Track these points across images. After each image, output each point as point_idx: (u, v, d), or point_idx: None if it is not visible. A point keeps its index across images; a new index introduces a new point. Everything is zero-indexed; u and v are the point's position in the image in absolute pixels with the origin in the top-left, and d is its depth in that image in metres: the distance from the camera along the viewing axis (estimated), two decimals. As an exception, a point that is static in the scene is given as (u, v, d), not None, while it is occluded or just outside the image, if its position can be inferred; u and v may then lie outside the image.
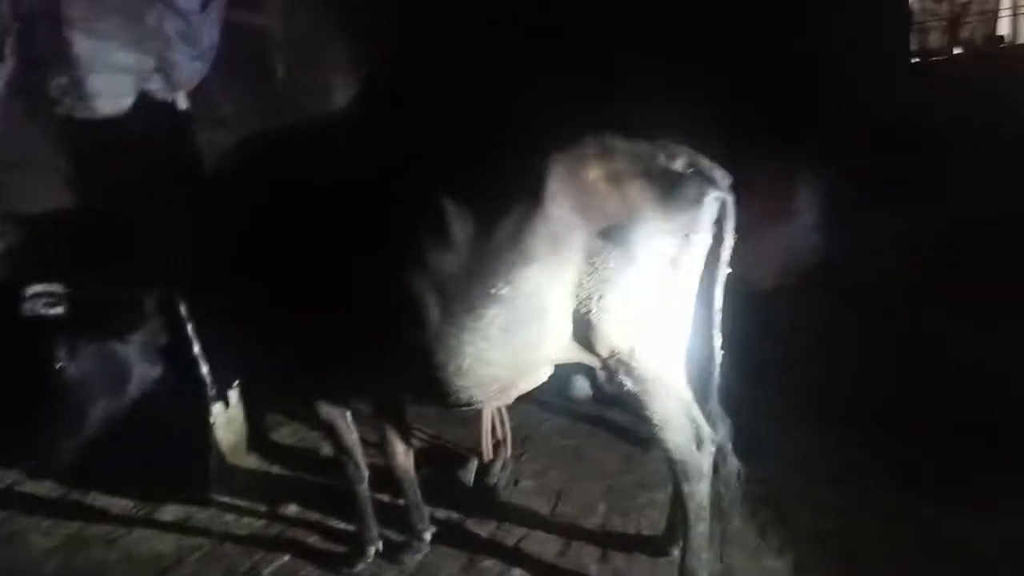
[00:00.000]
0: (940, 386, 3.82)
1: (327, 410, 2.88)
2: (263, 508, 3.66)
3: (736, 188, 2.41)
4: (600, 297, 2.36)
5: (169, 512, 3.71)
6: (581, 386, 4.49)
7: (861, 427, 3.70)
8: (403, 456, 3.12)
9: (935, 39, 6.03)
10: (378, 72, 4.77)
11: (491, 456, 3.74)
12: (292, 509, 3.61)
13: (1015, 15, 5.70)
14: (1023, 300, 4.10)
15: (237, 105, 4.60)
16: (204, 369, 2.77)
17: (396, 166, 2.59)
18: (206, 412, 3.63)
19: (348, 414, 2.93)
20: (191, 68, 4.23)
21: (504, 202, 2.35)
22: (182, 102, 4.14)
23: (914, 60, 5.80)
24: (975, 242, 4.44)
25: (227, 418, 3.87)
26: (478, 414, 3.72)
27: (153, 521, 3.63)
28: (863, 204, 4.60)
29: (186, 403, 3.35)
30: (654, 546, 2.98)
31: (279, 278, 2.65)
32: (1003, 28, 6.04)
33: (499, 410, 3.73)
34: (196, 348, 2.74)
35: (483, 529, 3.27)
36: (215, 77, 4.33)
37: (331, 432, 2.93)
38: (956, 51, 6.05)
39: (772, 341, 4.02)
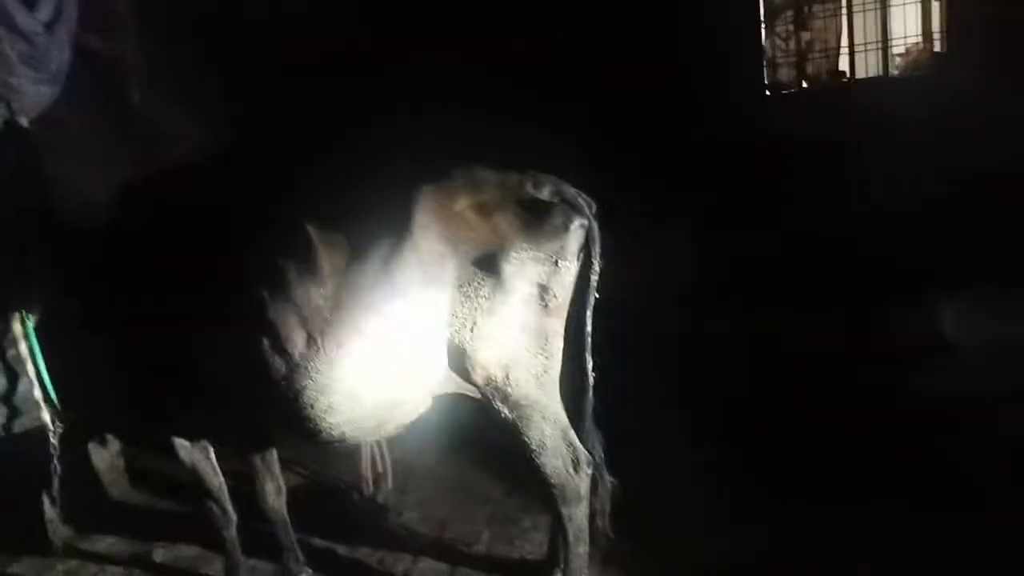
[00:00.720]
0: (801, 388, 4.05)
1: (188, 452, 2.72)
2: (123, 564, 3.42)
3: (601, 215, 2.48)
4: (473, 326, 2.37)
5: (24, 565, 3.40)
6: None
7: (733, 435, 3.86)
8: (274, 496, 2.98)
9: (784, 74, 6.49)
10: (239, 105, 4.63)
11: (372, 489, 3.66)
12: (154, 562, 3.40)
13: (852, 53, 6.21)
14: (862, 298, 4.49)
15: (89, 133, 4.31)
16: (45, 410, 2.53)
17: (263, 198, 2.52)
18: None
19: (212, 455, 2.77)
20: (36, 92, 3.95)
21: (373, 234, 2.32)
22: (25, 128, 3.85)
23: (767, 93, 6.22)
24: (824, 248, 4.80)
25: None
26: (358, 447, 3.64)
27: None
28: (727, 217, 4.91)
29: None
30: (538, 570, 2.98)
31: (134, 311, 2.51)
32: (843, 64, 6.60)
33: (379, 443, 3.65)
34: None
35: (369, 560, 3.18)
36: (65, 103, 4.06)
37: (194, 476, 2.76)
38: (803, 85, 6.55)
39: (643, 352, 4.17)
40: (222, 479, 2.82)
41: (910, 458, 3.43)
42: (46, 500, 3.34)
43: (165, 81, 4.45)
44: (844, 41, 6.44)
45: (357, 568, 3.17)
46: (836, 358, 4.27)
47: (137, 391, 2.54)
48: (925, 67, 6.21)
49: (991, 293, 4.34)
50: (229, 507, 2.85)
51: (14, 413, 2.54)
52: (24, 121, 3.83)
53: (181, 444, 2.71)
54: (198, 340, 2.42)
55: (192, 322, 2.42)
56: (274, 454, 3.00)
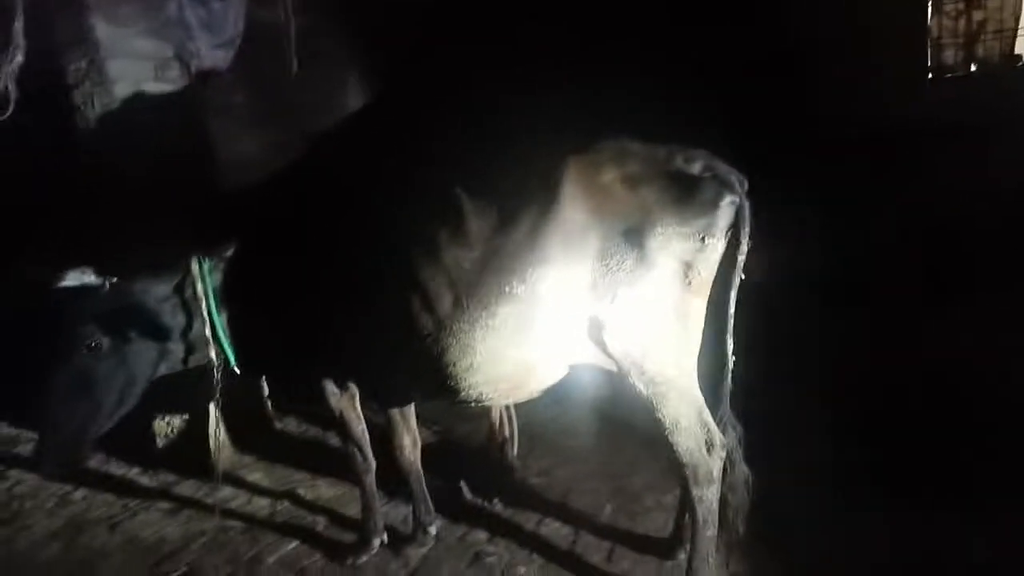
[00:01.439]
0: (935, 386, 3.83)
1: (337, 400, 2.89)
2: (270, 496, 3.68)
3: (752, 194, 2.41)
4: (614, 299, 2.37)
5: (175, 495, 3.74)
6: None
7: (868, 435, 3.69)
8: (410, 449, 3.13)
9: (950, 56, 6.01)
10: (387, 73, 4.79)
11: (499, 453, 3.75)
12: (299, 497, 3.64)
13: (1032, 34, 5.68)
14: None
15: (257, 96, 4.62)
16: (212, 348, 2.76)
17: (417, 163, 2.62)
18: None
19: (357, 405, 2.93)
20: (212, 57, 4.25)
21: (521, 201, 2.36)
22: (202, 89, 4.16)
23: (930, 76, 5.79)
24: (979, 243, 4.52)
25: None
26: (487, 411, 3.74)
27: (158, 505, 3.65)
28: (879, 210, 4.65)
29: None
30: (660, 549, 2.97)
31: (300, 270, 2.68)
32: (1020, 47, 6.03)
33: (506, 408, 3.74)
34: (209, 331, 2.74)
35: (488, 525, 3.27)
36: (238, 67, 4.35)
37: (339, 422, 2.93)
38: (972, 68, 6.04)
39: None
40: (364, 428, 2.98)
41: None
42: (210, 431, 3.66)
43: (320, 52, 4.67)
44: (1024, 21, 5.91)
45: (485, 520, 3.29)
46: (982, 357, 3.97)
47: (295, 338, 2.72)
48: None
49: None
50: (370, 454, 3.01)
51: (190, 349, 2.78)
52: (201, 83, 4.15)
53: (332, 391, 2.88)
54: (353, 294, 2.56)
55: (348, 277, 2.56)
56: (412, 409, 3.14)
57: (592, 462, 3.81)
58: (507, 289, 2.35)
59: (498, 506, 3.41)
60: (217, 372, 2.80)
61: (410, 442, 3.13)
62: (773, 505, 3.13)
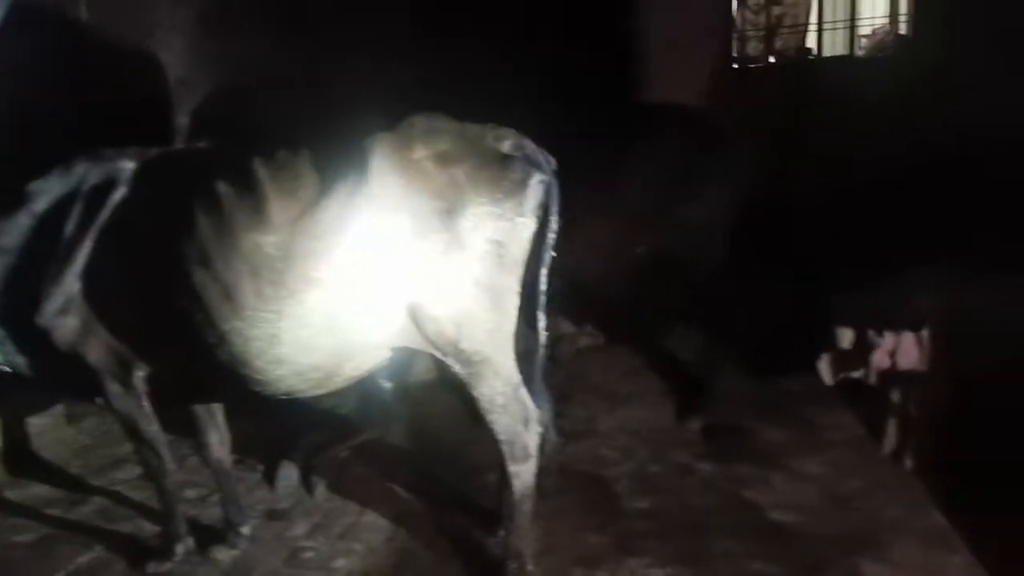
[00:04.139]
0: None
1: (121, 400, 2.62)
2: (63, 504, 3.38)
3: (561, 173, 2.45)
4: (427, 279, 2.33)
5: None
6: None
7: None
8: (218, 447, 2.92)
9: (753, 48, 6.50)
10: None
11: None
12: (98, 503, 3.35)
13: (820, 30, 6.24)
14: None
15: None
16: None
17: (212, 142, 2.45)
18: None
19: (146, 403, 2.68)
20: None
21: (327, 180, 2.26)
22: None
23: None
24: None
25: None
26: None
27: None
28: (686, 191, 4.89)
29: None
30: (483, 528, 2.99)
31: (74, 251, 2.44)
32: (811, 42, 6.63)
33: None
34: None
35: (307, 521, 3.15)
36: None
37: (127, 423, 2.69)
38: (771, 60, 6.57)
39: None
40: (158, 426, 2.73)
41: None
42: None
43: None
44: (813, 17, 6.48)
45: (304, 514, 3.18)
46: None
47: (66, 330, 2.48)
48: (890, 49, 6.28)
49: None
50: (166, 455, 2.76)
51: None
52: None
53: (114, 390, 2.61)
54: (138, 282, 2.37)
55: (132, 262, 2.37)
56: (219, 402, 2.94)
57: (417, 446, 3.77)
58: (314, 275, 2.24)
59: (319, 498, 3.29)
60: None
61: (217, 439, 2.92)
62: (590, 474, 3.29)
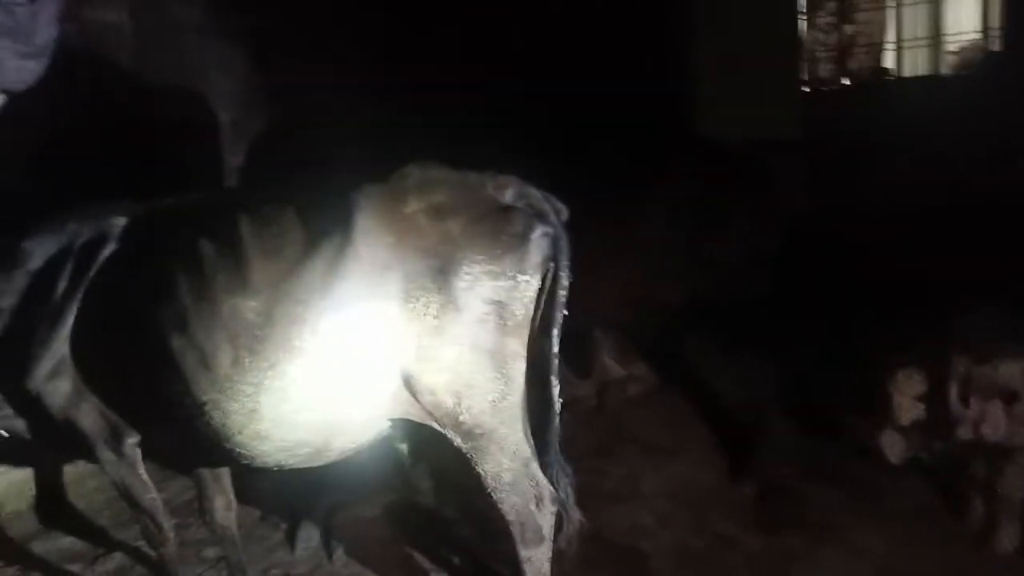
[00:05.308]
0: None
1: (115, 467, 2.49)
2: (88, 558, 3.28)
3: (572, 223, 2.20)
4: (420, 346, 2.11)
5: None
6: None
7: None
8: (223, 512, 2.77)
9: (823, 69, 6.09)
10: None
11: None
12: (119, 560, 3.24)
13: (899, 49, 5.79)
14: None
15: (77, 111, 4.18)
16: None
17: (205, 192, 2.32)
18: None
19: (141, 470, 2.54)
20: (19, 67, 3.81)
21: (311, 240, 2.07)
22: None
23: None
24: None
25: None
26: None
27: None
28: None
29: None
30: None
31: (63, 315, 2.32)
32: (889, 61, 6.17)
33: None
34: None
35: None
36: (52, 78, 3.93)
37: (122, 491, 2.55)
38: (844, 81, 6.14)
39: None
40: (155, 494, 2.60)
41: None
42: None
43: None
44: (891, 36, 6.03)
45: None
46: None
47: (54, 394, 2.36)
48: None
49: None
50: (165, 523, 2.62)
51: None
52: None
53: (108, 457, 2.47)
54: (120, 348, 2.24)
55: (114, 327, 2.24)
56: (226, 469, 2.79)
57: (443, 506, 3.52)
58: (296, 343, 2.06)
59: (338, 563, 3.11)
60: None
61: (223, 504, 2.76)
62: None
